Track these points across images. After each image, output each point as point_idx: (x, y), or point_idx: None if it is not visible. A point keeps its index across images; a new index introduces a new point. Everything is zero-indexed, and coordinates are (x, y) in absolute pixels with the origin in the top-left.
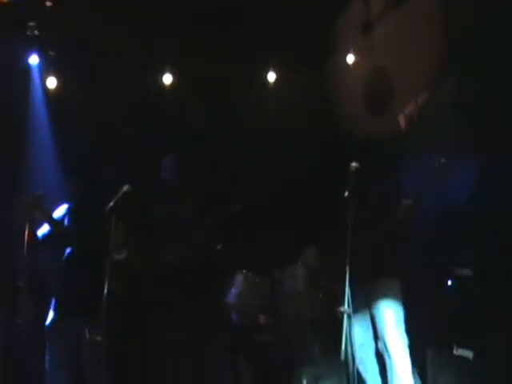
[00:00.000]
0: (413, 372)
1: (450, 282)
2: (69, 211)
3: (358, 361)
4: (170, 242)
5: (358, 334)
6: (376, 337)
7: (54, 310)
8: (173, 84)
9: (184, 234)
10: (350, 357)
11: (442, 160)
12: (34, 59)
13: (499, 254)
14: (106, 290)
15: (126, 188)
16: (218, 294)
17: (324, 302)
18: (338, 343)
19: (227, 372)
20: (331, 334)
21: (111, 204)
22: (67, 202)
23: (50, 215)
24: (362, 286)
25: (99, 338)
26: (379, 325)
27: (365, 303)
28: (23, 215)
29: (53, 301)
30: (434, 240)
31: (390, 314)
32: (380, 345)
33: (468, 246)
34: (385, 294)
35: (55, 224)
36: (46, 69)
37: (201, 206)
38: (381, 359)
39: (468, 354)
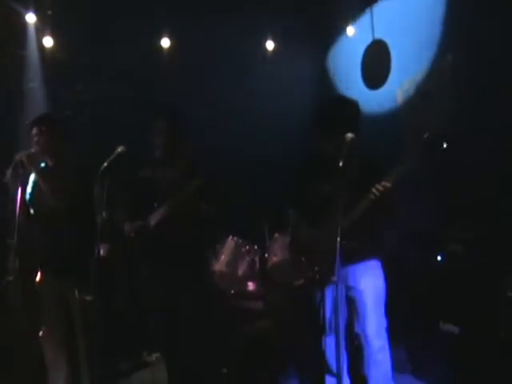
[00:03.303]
0: (398, 346)
1: (439, 258)
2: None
3: None
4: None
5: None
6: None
7: (43, 270)
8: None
9: (170, 196)
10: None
11: None
12: (30, 17)
13: (488, 230)
14: (96, 250)
15: (120, 149)
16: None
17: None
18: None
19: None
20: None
21: (105, 165)
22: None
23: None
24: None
25: (89, 298)
26: (359, 309)
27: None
28: (16, 173)
29: (41, 260)
30: (424, 217)
31: (371, 298)
32: (358, 329)
33: (458, 222)
34: (365, 276)
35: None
36: (43, 28)
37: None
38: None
39: (454, 329)
